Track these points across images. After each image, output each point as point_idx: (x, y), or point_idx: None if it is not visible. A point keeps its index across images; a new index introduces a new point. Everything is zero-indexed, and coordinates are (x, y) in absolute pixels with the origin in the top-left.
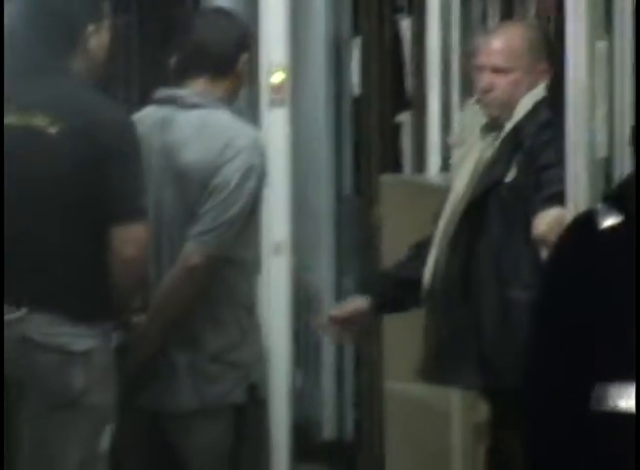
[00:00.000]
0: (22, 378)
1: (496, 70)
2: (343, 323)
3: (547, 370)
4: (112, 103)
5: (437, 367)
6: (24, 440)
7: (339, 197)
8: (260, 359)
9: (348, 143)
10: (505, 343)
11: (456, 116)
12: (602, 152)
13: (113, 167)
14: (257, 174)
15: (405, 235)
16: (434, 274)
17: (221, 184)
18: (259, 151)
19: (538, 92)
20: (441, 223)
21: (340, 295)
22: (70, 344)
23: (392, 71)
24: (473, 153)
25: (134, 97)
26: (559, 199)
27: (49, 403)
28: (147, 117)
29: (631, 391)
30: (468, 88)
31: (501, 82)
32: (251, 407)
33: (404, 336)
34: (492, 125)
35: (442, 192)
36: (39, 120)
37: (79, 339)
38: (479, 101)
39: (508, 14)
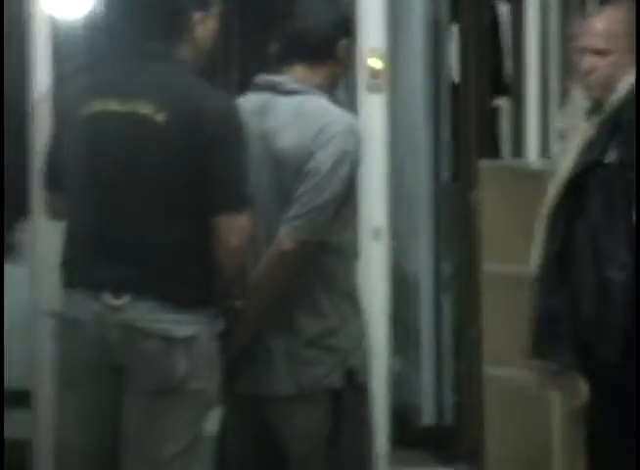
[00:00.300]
0: (127, 364)
1: (597, 53)
2: None
3: None
4: (217, 91)
5: (538, 347)
6: (130, 424)
7: (437, 182)
8: (360, 345)
9: (447, 128)
10: (601, 323)
11: (554, 100)
12: None
13: (218, 156)
14: (351, 160)
15: (504, 220)
16: (540, 256)
17: (314, 169)
18: (354, 137)
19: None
20: (544, 205)
21: (438, 280)
22: (173, 330)
23: (491, 57)
24: (578, 135)
25: (233, 83)
26: None
27: (153, 388)
28: (247, 102)
29: None
30: (566, 73)
31: (601, 64)
32: (349, 392)
33: (503, 320)
34: (595, 107)
35: (541, 177)
36: (145, 108)
37: (182, 325)
38: (581, 83)
39: None
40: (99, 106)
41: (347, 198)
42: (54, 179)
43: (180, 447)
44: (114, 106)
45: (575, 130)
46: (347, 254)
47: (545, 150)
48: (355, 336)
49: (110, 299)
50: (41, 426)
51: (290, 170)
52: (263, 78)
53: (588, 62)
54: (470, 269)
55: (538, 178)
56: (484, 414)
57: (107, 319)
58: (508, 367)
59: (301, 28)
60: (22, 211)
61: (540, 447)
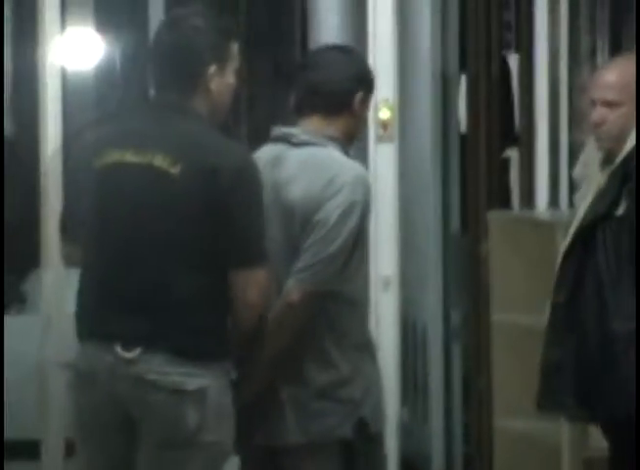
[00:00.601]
0: (139, 416)
1: (608, 104)
2: None
3: None
4: (233, 144)
5: (546, 398)
6: None
7: (446, 233)
8: (373, 395)
9: (456, 179)
10: (605, 374)
11: (564, 151)
12: None
13: (235, 210)
14: (360, 211)
15: (513, 270)
16: (549, 306)
17: (323, 220)
18: (363, 188)
19: None
20: (559, 255)
21: (447, 330)
22: (184, 383)
23: (500, 107)
24: (592, 186)
25: (243, 133)
26: None
27: (165, 441)
28: (262, 154)
29: None
30: (576, 124)
31: (612, 116)
32: (361, 442)
33: (513, 371)
34: (608, 158)
35: (550, 227)
36: (160, 160)
37: (192, 378)
38: (593, 134)
39: (616, 47)
40: (115, 157)
41: (357, 248)
42: (71, 229)
43: None
44: (129, 157)
45: (590, 180)
46: (360, 303)
47: (555, 201)
48: (368, 386)
49: (121, 351)
50: None
51: (299, 221)
52: (278, 130)
53: (599, 113)
54: (479, 319)
55: (548, 229)
56: (494, 465)
57: (119, 372)
58: (518, 418)
59: (317, 79)
60: (34, 260)
61: None
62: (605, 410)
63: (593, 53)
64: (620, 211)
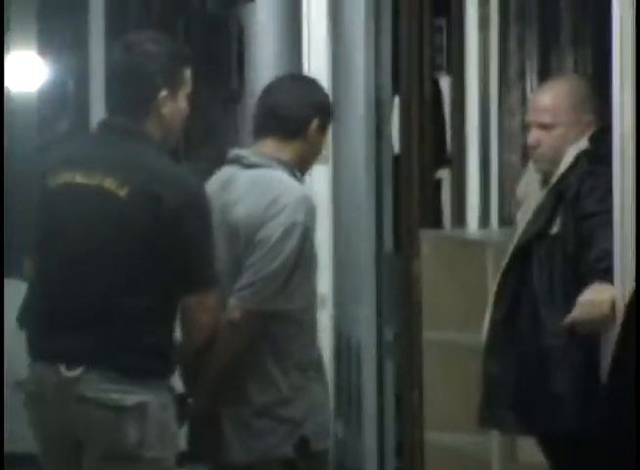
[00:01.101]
0: (81, 434)
1: (543, 127)
2: None
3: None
4: (182, 168)
5: (487, 413)
6: None
7: (380, 251)
8: (316, 413)
9: (389, 199)
10: (540, 389)
11: (494, 171)
12: None
13: (183, 235)
14: (302, 231)
15: (445, 289)
16: (487, 322)
17: (264, 239)
18: (305, 208)
19: (581, 144)
20: (498, 273)
21: (380, 346)
22: (123, 399)
23: (432, 129)
24: (532, 205)
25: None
26: (604, 273)
27: (106, 456)
28: (216, 177)
29: None
30: (507, 145)
31: (547, 138)
32: (303, 461)
33: (444, 387)
34: (546, 178)
35: (481, 246)
36: (108, 182)
37: (132, 395)
38: (530, 156)
39: (545, 70)
40: (66, 177)
41: (298, 267)
42: (31, 245)
43: None
44: (79, 178)
45: (531, 199)
46: (307, 323)
47: (486, 220)
48: (312, 404)
49: (65, 371)
50: None
51: (243, 241)
52: (232, 152)
53: (534, 136)
54: (411, 336)
55: (478, 248)
56: None
57: (64, 391)
58: (449, 433)
59: (275, 103)
60: None
61: None
62: (541, 426)
63: (522, 75)
64: (555, 229)
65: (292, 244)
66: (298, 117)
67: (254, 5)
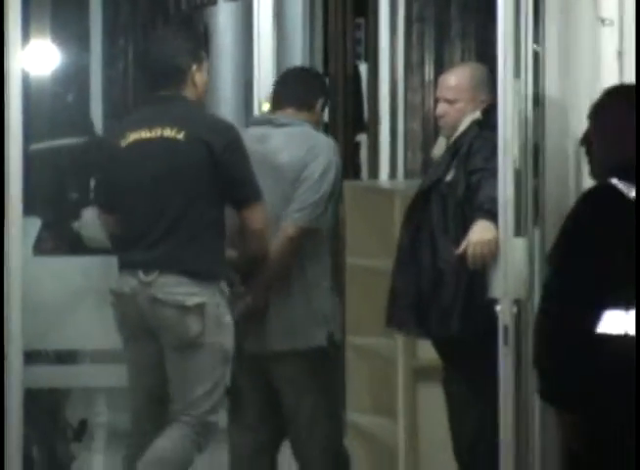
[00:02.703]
0: (154, 328)
1: (448, 102)
2: None
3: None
4: (217, 117)
5: (393, 317)
6: (169, 371)
7: None
8: (336, 314)
9: None
10: (434, 302)
11: (401, 137)
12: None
13: (230, 161)
14: (335, 167)
15: (363, 226)
16: (396, 248)
17: (309, 176)
18: (334, 151)
19: (475, 115)
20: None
21: None
22: (186, 300)
23: (353, 103)
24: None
25: None
26: (487, 213)
27: (174, 345)
28: (247, 134)
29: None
30: (410, 116)
31: (451, 110)
32: (332, 349)
33: (363, 301)
34: (449, 141)
35: (391, 193)
36: (168, 132)
37: (193, 296)
38: (439, 124)
39: (440, 58)
40: (134, 137)
41: (334, 195)
42: (107, 202)
43: (207, 389)
44: (144, 134)
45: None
46: (327, 242)
47: (394, 173)
48: (334, 308)
49: (142, 276)
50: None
51: (288, 178)
52: (262, 116)
53: (441, 108)
54: (337, 263)
55: (389, 194)
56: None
57: (140, 292)
58: (365, 337)
59: (292, 83)
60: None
61: (389, 398)
62: (434, 331)
63: (422, 63)
64: (449, 177)
65: (330, 177)
66: (308, 96)
67: (217, 8)
